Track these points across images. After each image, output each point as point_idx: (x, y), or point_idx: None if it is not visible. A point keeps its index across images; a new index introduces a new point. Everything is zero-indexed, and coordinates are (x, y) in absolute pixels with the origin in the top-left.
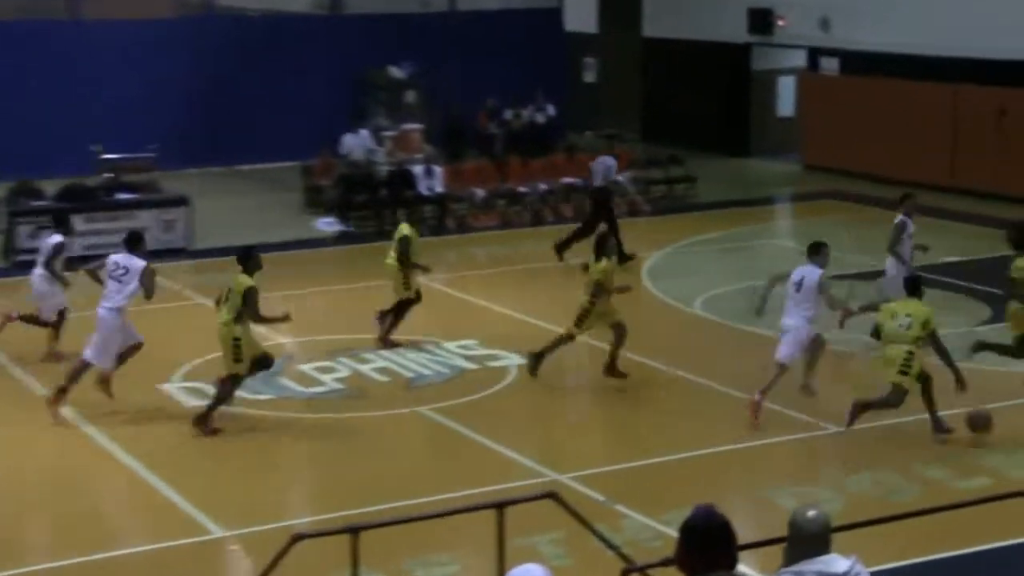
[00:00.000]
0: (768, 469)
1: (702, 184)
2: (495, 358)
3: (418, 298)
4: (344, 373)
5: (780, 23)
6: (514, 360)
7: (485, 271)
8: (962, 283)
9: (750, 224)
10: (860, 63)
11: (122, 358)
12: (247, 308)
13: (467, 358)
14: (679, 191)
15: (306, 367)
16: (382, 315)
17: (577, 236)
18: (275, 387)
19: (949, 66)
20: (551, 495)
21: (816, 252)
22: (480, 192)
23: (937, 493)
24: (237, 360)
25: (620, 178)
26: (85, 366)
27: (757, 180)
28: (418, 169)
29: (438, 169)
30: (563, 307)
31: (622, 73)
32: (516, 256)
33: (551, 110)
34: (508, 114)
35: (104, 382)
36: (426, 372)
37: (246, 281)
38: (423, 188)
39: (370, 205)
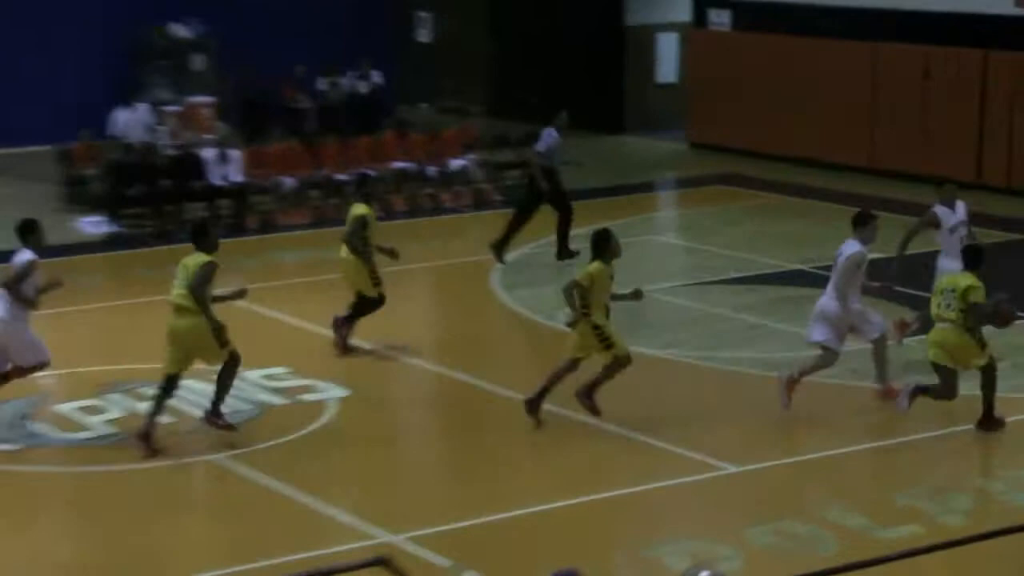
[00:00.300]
0: (654, 519)
1: (565, 168)
2: (309, 390)
3: (383, 300)
4: (116, 414)
5: None
6: (333, 392)
7: (295, 280)
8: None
9: (625, 216)
10: (757, 16)
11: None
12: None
13: (274, 391)
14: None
15: (66, 407)
16: (343, 321)
17: (563, 227)
18: (23, 434)
19: (866, 19)
20: (382, 561)
21: (862, 224)
22: (288, 181)
23: (857, 545)
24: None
25: (467, 163)
26: None
27: (633, 162)
28: (209, 153)
29: (235, 153)
30: (397, 323)
31: (465, 31)
32: (335, 261)
33: (376, 78)
34: (322, 83)
35: None
36: (222, 410)
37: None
38: (215, 177)
39: (148, 200)
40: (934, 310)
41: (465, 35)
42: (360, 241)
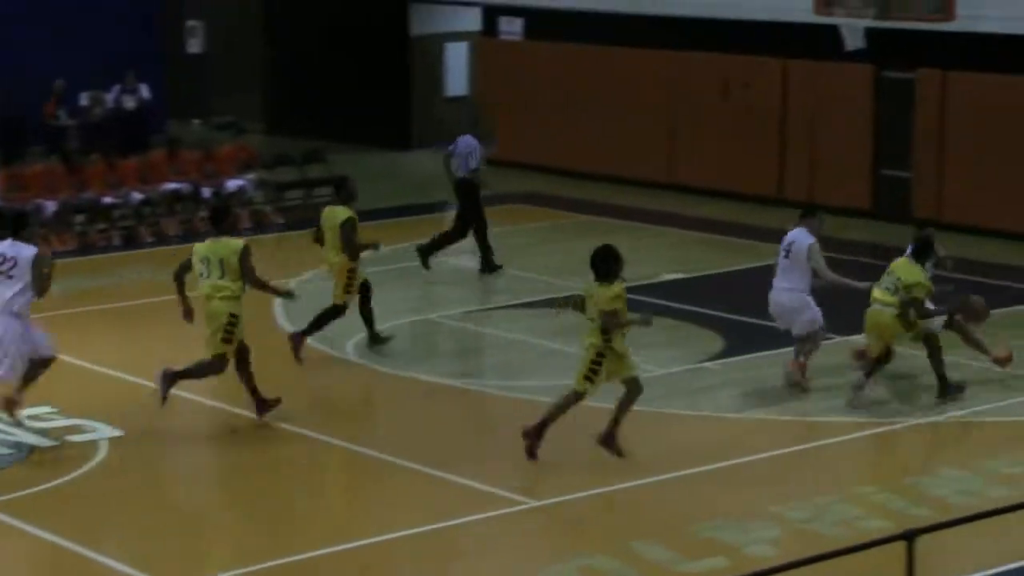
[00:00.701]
0: (450, 559)
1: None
2: (78, 430)
3: (345, 308)
4: None
5: None
6: (104, 432)
7: (60, 312)
8: (688, 307)
9: (418, 238)
10: (552, 24)
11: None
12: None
13: (37, 432)
14: (321, 197)
15: None
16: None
17: (445, 240)
18: None
19: (665, 27)
20: None
21: (810, 215)
22: (50, 205)
23: None
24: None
25: (245, 183)
26: None
27: (425, 181)
28: None
29: None
30: (175, 354)
31: (239, 41)
32: (103, 291)
33: (145, 92)
34: (84, 99)
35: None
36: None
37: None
38: None
39: None
40: (875, 291)
41: (239, 46)
42: (357, 245)
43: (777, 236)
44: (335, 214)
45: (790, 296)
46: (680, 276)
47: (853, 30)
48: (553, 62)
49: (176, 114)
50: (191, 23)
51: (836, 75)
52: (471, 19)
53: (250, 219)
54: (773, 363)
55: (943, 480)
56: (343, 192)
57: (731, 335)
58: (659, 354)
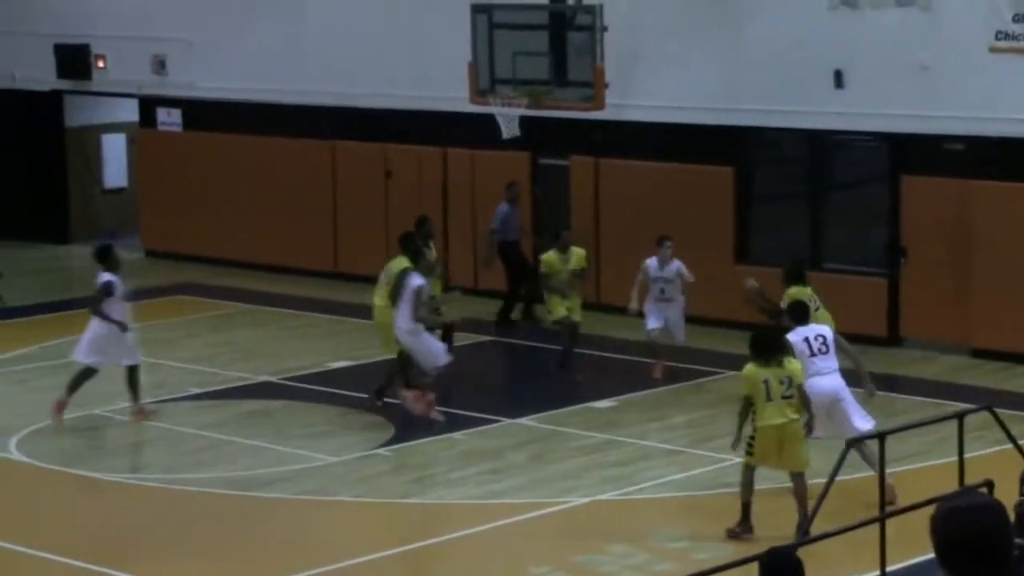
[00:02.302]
0: None
1: (4, 283)
2: None
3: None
4: None
5: (99, 64)
6: None
7: None
8: (357, 394)
9: (74, 333)
10: (210, 115)
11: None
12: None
13: None
14: None
15: None
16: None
17: (511, 300)
18: None
19: (324, 117)
20: None
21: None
22: None
23: None
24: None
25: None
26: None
27: (83, 274)
28: None
29: None
30: None
31: None
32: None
33: None
34: None
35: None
36: None
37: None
38: None
39: None
40: None
41: None
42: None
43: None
44: (396, 263)
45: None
46: (347, 363)
47: (509, 119)
48: (214, 152)
49: None
50: None
51: (495, 161)
52: (128, 110)
53: None
54: (444, 446)
55: (613, 557)
56: (422, 231)
57: (401, 420)
58: (329, 442)
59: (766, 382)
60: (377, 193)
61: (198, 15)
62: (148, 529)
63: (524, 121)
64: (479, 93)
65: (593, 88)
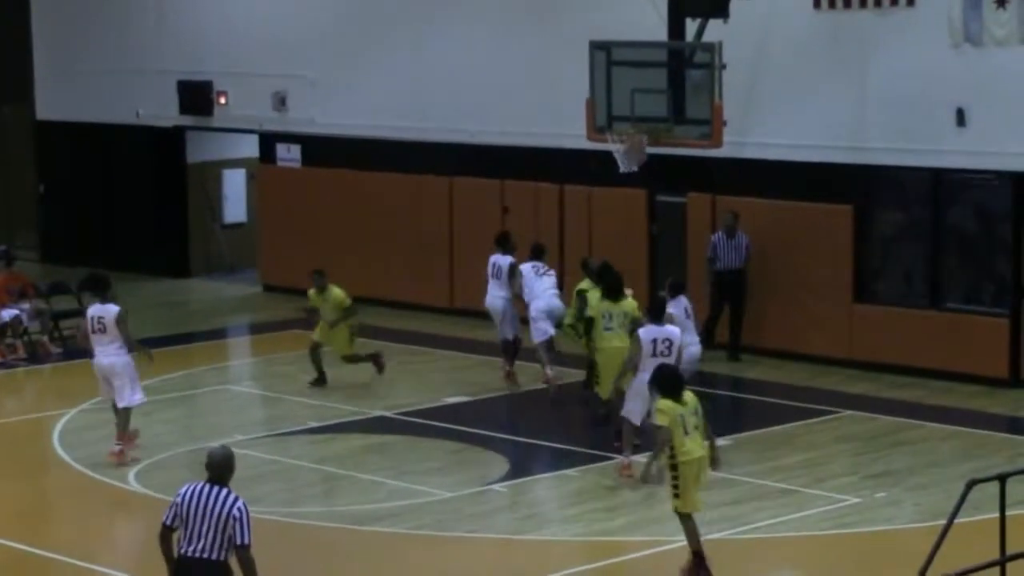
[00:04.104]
0: None
1: (130, 315)
2: None
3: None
4: None
5: (221, 101)
6: None
7: None
8: (471, 429)
9: (195, 365)
10: (328, 151)
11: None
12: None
13: None
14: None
15: None
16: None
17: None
18: None
19: (442, 153)
20: None
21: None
22: None
23: None
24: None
25: (21, 312)
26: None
27: (203, 308)
28: None
29: None
30: None
31: (10, 167)
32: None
33: None
34: None
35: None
36: None
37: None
38: None
39: None
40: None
41: (11, 171)
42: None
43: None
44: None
45: None
46: (463, 399)
47: (628, 155)
48: (331, 188)
49: None
50: None
51: (612, 198)
52: (248, 146)
53: (25, 349)
54: (559, 483)
55: None
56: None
57: (515, 456)
58: (444, 477)
59: (682, 416)
60: (494, 229)
61: (319, 52)
62: (262, 562)
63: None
64: (597, 130)
65: (711, 125)
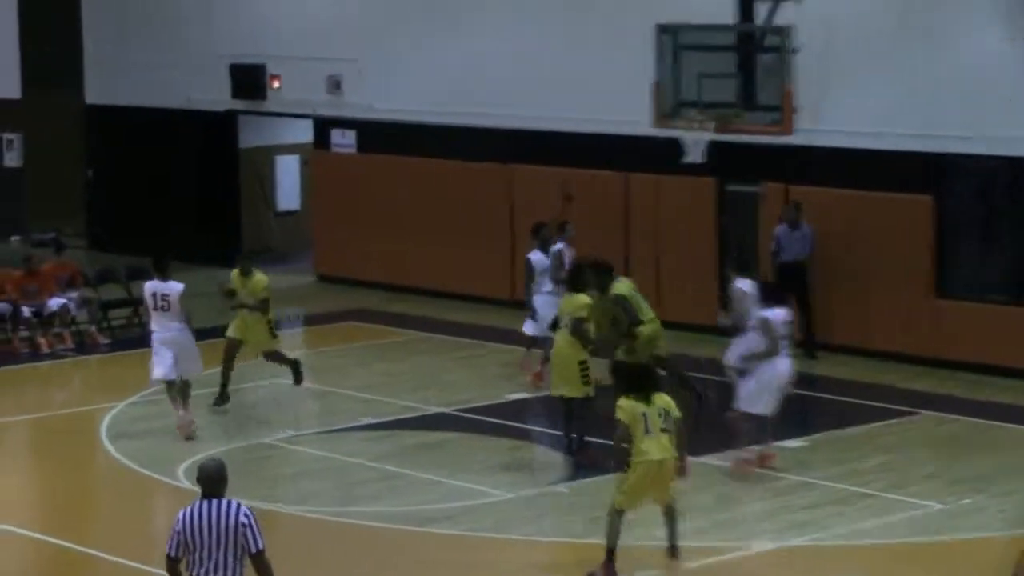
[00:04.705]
0: None
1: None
2: None
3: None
4: None
5: (275, 84)
6: None
7: None
8: (534, 427)
9: (246, 359)
10: (385, 137)
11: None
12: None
13: None
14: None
15: None
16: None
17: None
18: None
19: (501, 139)
20: None
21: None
22: None
23: None
24: (586, 382)
25: (68, 301)
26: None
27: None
28: None
29: None
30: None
31: (58, 153)
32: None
33: None
34: None
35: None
36: None
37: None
38: None
39: None
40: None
41: (59, 158)
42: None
43: None
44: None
45: None
46: (524, 395)
47: (695, 143)
48: (388, 175)
49: None
50: (7, 135)
51: (679, 187)
52: (303, 131)
53: (72, 340)
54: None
55: None
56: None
57: (579, 455)
58: (503, 477)
59: (645, 415)
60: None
61: (375, 36)
62: (314, 562)
63: (710, 146)
64: (663, 116)
65: (782, 112)
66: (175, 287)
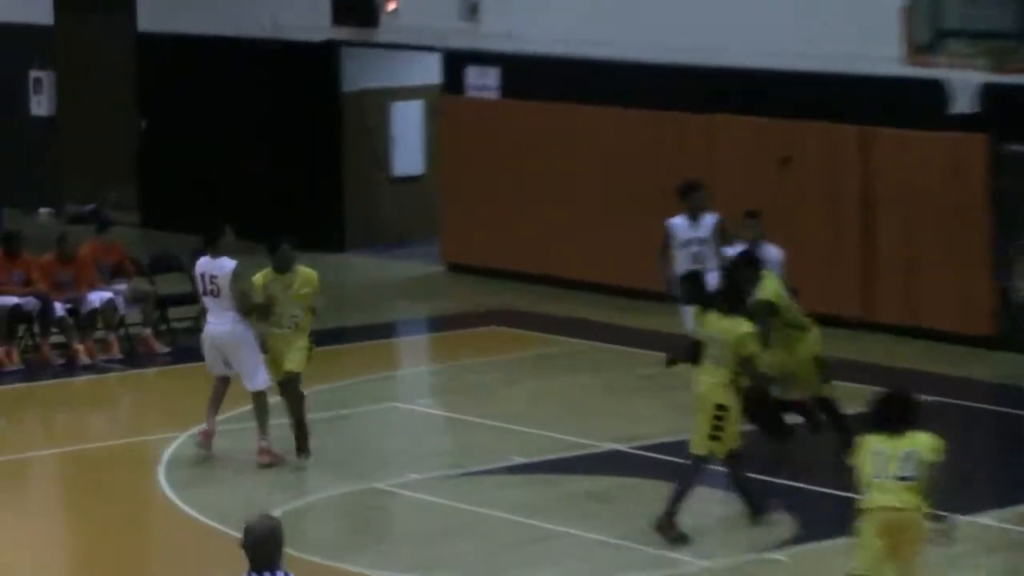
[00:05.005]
0: None
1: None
2: None
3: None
4: None
5: (390, 7)
6: None
7: None
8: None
9: (351, 375)
10: (538, 76)
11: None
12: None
13: None
14: None
15: None
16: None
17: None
18: None
19: (697, 82)
20: None
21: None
22: None
23: None
24: (715, 437)
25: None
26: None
27: (362, 294)
28: None
29: None
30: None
31: (102, 98)
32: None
33: None
34: None
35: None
36: None
37: (741, 328)
38: None
39: None
40: None
41: (104, 104)
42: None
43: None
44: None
45: None
46: None
47: (961, 87)
48: (542, 127)
49: (15, 201)
50: (36, 73)
51: (936, 146)
52: (428, 69)
53: (121, 347)
54: None
55: None
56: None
57: (805, 513)
58: (702, 539)
59: (879, 454)
60: (768, 186)
61: None
62: None
63: (981, 90)
64: (917, 51)
65: None
66: (226, 265)
